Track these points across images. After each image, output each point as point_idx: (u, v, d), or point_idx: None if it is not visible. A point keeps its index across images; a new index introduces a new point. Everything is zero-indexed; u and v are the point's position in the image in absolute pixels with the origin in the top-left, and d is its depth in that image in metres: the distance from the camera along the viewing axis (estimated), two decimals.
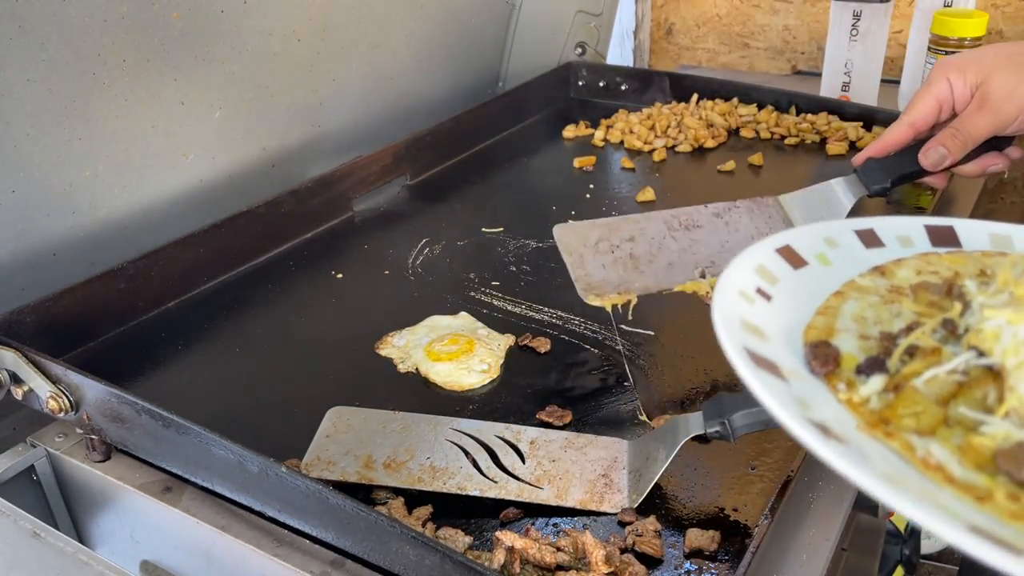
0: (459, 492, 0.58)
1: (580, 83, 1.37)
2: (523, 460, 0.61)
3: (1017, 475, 0.36)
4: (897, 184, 0.74)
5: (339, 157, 1.05)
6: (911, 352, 0.43)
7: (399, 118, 1.17)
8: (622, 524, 0.56)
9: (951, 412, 0.40)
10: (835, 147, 1.14)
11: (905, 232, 0.58)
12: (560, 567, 0.52)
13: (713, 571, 0.53)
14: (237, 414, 0.68)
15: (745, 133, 1.21)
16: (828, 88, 1.31)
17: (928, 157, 0.71)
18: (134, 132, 0.82)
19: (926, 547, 1.36)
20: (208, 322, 0.80)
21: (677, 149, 1.17)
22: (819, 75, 1.34)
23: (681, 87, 1.29)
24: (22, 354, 0.64)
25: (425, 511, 0.57)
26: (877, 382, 0.42)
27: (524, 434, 0.63)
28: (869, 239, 0.57)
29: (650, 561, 0.53)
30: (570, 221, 0.78)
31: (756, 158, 1.12)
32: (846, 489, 0.61)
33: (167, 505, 0.61)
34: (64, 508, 0.69)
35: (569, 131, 1.24)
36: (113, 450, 0.65)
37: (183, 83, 0.85)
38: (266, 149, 0.98)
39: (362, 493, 0.59)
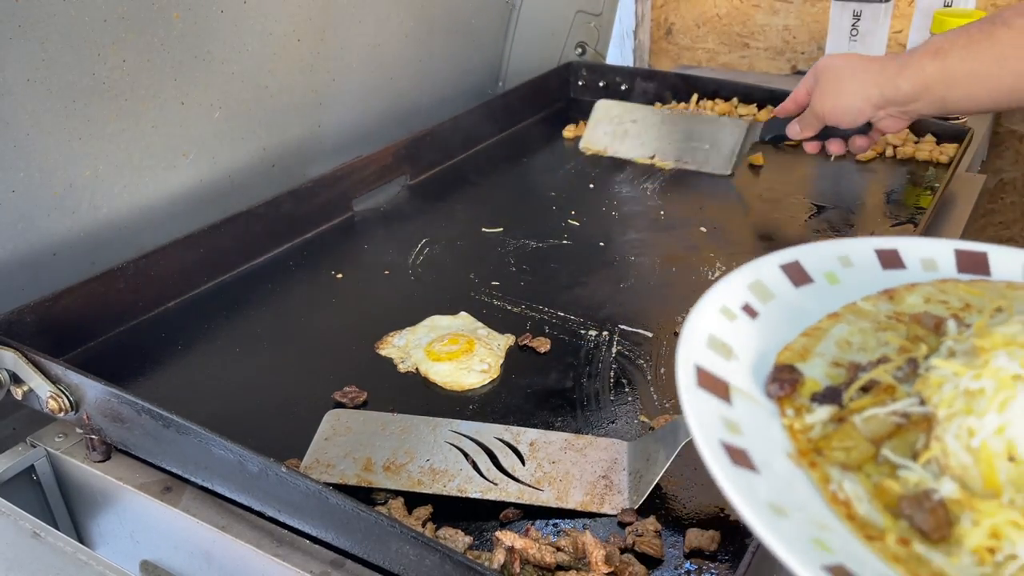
0: (459, 495, 0.58)
1: (580, 83, 1.37)
2: (523, 462, 0.61)
3: (916, 521, 0.37)
4: (773, 141, 1.03)
5: (339, 157, 1.05)
6: (868, 387, 0.44)
7: (399, 118, 1.17)
8: (622, 524, 0.56)
9: (880, 452, 0.40)
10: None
11: (931, 255, 0.55)
12: (560, 567, 0.52)
13: (713, 571, 0.53)
14: (237, 414, 0.68)
15: None
16: None
17: (790, 128, 0.97)
18: (134, 132, 0.82)
19: None
20: (208, 322, 0.80)
21: None
22: None
23: (681, 87, 1.29)
24: (22, 354, 0.64)
25: (425, 511, 0.57)
26: (824, 412, 0.43)
27: (523, 436, 0.63)
28: (889, 260, 0.55)
29: (650, 561, 0.53)
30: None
31: (757, 158, 1.12)
32: None
33: (167, 505, 0.61)
34: (64, 508, 0.69)
35: (569, 131, 1.24)
36: (113, 450, 0.65)
37: (183, 83, 0.85)
38: (266, 149, 0.98)
39: (362, 493, 0.59)
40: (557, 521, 0.57)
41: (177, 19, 0.81)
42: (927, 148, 1.12)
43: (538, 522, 0.57)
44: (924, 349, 0.45)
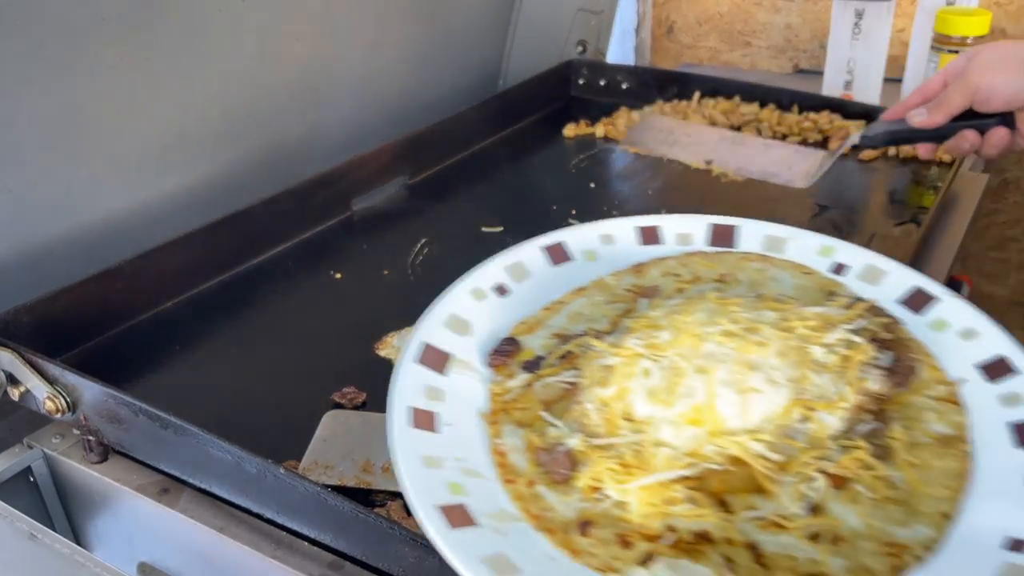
0: None
1: (581, 81, 1.37)
2: None
3: (546, 467, 0.45)
4: (879, 142, 0.91)
5: (338, 156, 1.05)
6: (566, 356, 0.51)
7: (399, 117, 1.16)
8: None
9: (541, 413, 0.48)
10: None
11: (688, 230, 0.61)
12: None
13: None
14: (235, 415, 0.68)
15: (747, 131, 1.21)
16: (830, 87, 1.30)
17: (912, 116, 0.86)
18: (132, 131, 0.81)
19: None
20: (206, 322, 0.80)
21: None
22: (821, 74, 1.33)
23: (683, 85, 1.29)
24: (19, 354, 0.63)
25: None
26: (522, 379, 0.50)
27: None
28: (649, 236, 0.60)
29: None
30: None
31: None
32: None
33: (165, 507, 0.61)
34: (61, 510, 0.69)
35: (569, 130, 1.23)
36: (111, 451, 0.65)
37: (181, 82, 0.84)
38: (265, 148, 0.98)
39: (361, 495, 0.58)
40: None
41: (175, 18, 0.81)
42: None
43: None
44: (606, 325, 0.53)
